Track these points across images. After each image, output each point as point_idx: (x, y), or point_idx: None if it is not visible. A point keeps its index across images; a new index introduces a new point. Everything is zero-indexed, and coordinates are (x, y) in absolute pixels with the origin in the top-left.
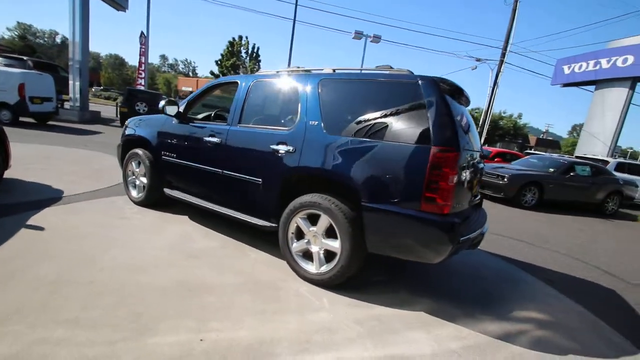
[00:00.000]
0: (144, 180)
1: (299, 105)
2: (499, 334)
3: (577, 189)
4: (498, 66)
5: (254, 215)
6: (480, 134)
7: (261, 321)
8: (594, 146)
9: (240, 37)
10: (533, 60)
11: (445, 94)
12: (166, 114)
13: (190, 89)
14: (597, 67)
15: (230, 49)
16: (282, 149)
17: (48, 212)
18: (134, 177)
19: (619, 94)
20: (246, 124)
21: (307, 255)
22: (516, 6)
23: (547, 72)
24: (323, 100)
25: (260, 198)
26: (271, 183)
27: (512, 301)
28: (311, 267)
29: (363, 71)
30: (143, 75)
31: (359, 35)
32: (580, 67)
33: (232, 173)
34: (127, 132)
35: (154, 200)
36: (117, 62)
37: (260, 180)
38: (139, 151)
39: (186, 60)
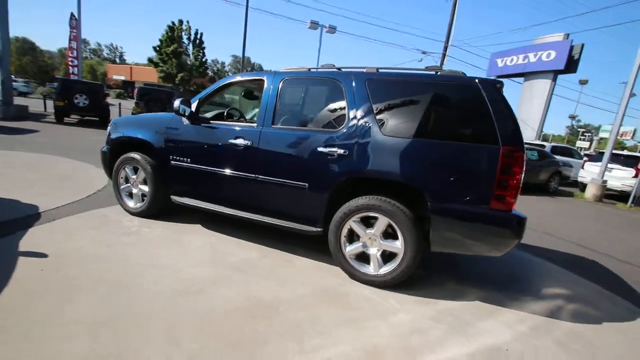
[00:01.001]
0: (145, 188)
1: (346, 105)
2: (546, 312)
3: (528, 171)
4: (441, 59)
5: (297, 221)
6: None
7: (355, 330)
8: (524, 132)
9: (181, 22)
10: (471, 54)
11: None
12: (181, 114)
13: (122, 78)
14: (526, 60)
15: (169, 34)
16: (333, 151)
17: (36, 233)
18: (128, 185)
19: (544, 85)
20: (281, 125)
21: (360, 257)
22: (456, 2)
23: (483, 65)
24: (374, 101)
25: (306, 203)
26: (319, 187)
27: (532, 280)
28: (369, 269)
29: (413, 72)
30: (76, 63)
31: (314, 25)
32: (512, 60)
33: (270, 178)
34: (115, 135)
35: (157, 210)
36: (26, 47)
37: (305, 184)
38: (136, 156)
39: (112, 45)
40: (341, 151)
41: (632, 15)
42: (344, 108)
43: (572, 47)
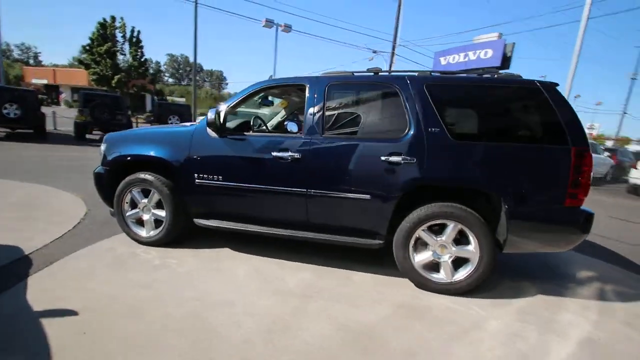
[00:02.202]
0: (160, 213)
1: (406, 111)
2: (597, 296)
3: None
4: (390, 57)
5: (356, 236)
6: None
7: (466, 346)
8: None
9: (114, 18)
10: (416, 54)
11: None
12: (217, 126)
13: (44, 81)
14: (467, 58)
15: (101, 31)
16: (398, 160)
17: (39, 283)
18: (136, 211)
19: None
20: (332, 134)
21: (427, 266)
22: (400, 3)
23: (428, 63)
24: (438, 106)
25: (367, 215)
26: (384, 198)
27: (565, 267)
28: (442, 277)
29: (471, 75)
30: None
31: (269, 23)
32: (454, 58)
33: (325, 192)
34: (114, 154)
35: (176, 236)
36: None
37: (367, 196)
38: (148, 177)
39: (23, 45)
40: (408, 159)
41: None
42: (404, 114)
43: (505, 46)
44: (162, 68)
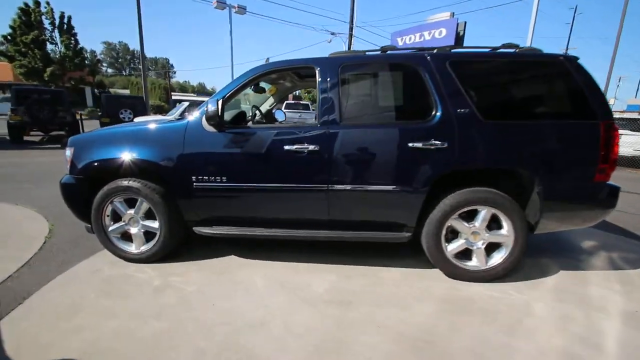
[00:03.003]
0: (152, 224)
1: (431, 91)
2: (611, 266)
3: None
4: (349, 40)
5: (381, 229)
6: None
7: (530, 341)
8: None
9: (38, 3)
10: (373, 35)
11: None
12: (215, 120)
13: None
14: (422, 38)
15: (23, 18)
16: (428, 145)
17: (14, 326)
18: (120, 224)
19: None
20: (352, 121)
21: (459, 255)
22: None
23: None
24: (464, 84)
25: (395, 208)
26: (414, 188)
27: (573, 240)
28: (475, 265)
29: (494, 51)
30: None
31: (221, 4)
32: (410, 38)
33: (348, 186)
34: (86, 160)
35: (172, 249)
36: None
37: (396, 187)
38: (133, 183)
39: None
40: (439, 144)
41: None
42: (428, 94)
43: (457, 25)
44: (100, 57)
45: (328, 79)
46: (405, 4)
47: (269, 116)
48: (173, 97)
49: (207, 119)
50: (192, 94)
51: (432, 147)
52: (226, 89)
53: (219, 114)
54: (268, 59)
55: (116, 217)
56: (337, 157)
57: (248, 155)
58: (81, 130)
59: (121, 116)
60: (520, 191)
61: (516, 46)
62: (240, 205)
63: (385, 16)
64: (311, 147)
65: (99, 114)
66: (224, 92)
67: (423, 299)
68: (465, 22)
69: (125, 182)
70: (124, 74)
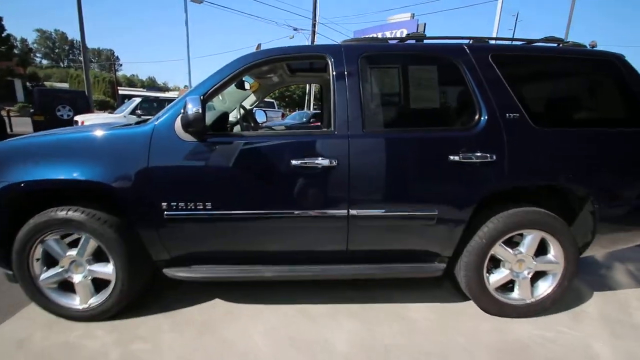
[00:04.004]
0: (104, 268)
1: (472, 91)
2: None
3: None
4: (311, 36)
5: (409, 260)
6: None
7: None
8: None
9: None
10: (336, 32)
11: None
12: (193, 127)
13: None
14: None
15: None
16: (472, 158)
17: None
18: (58, 270)
19: None
20: (379, 128)
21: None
22: None
23: None
24: (510, 83)
25: (433, 235)
26: (455, 211)
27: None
28: (520, 298)
29: (538, 45)
30: None
31: None
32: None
33: (373, 211)
34: (6, 179)
35: (133, 300)
36: None
37: (435, 211)
38: (75, 215)
39: None
40: (486, 156)
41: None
42: (470, 95)
43: (418, 26)
44: (32, 47)
45: (346, 74)
46: (368, 3)
47: (249, 117)
48: (120, 92)
49: (186, 125)
50: (142, 89)
51: (478, 161)
52: (208, 83)
53: (203, 117)
54: (260, 45)
55: (51, 260)
56: (360, 175)
57: (241, 172)
58: (7, 130)
59: (58, 113)
60: (564, 210)
61: (560, 40)
62: (230, 239)
63: (347, 13)
64: (326, 162)
65: (31, 110)
66: (205, 87)
67: (473, 349)
68: (425, 24)
69: (62, 213)
70: (62, 65)
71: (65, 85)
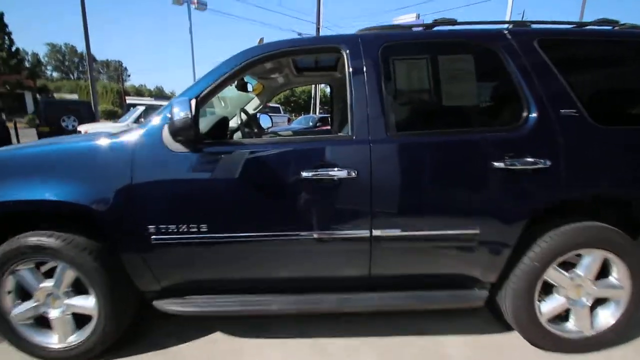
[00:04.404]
0: (84, 302)
1: (517, 83)
2: None
3: None
4: None
5: (442, 287)
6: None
7: None
8: None
9: None
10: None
11: None
12: (182, 135)
13: None
14: None
15: None
16: (522, 166)
17: None
18: (33, 304)
19: None
20: (406, 131)
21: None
22: None
23: None
24: (565, 74)
25: (472, 258)
26: (503, 229)
27: None
28: (576, 330)
29: (590, 28)
30: None
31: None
32: None
33: (402, 232)
34: None
35: (119, 337)
36: None
37: (476, 230)
38: (49, 241)
39: None
40: (539, 162)
41: None
42: (514, 87)
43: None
44: (43, 60)
45: (364, 67)
46: (371, 3)
47: (253, 123)
48: (128, 102)
49: (174, 132)
50: (149, 98)
51: (529, 168)
52: (202, 83)
53: (194, 122)
54: (262, 39)
55: (24, 293)
56: (385, 188)
57: (242, 187)
58: (17, 142)
59: (63, 124)
60: (627, 224)
61: (614, 22)
62: (230, 266)
63: (349, 16)
64: (343, 174)
65: (37, 122)
66: (198, 88)
67: None
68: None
69: (33, 239)
70: (72, 78)
71: (75, 97)
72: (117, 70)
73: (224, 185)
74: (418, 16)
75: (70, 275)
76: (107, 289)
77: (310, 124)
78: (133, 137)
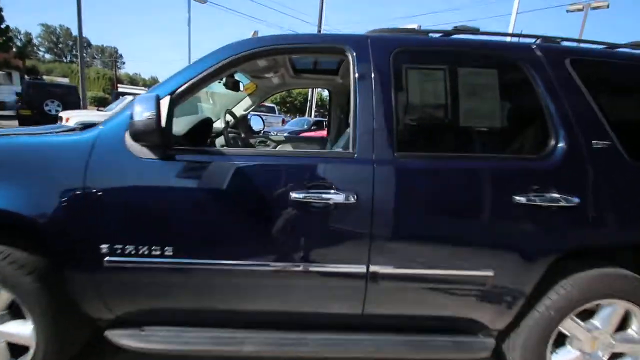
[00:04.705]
0: (20, 328)
1: (545, 106)
2: None
3: None
4: None
5: (447, 332)
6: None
7: None
8: None
9: None
10: None
11: None
12: (147, 138)
13: None
14: None
15: None
16: (546, 202)
17: None
18: None
19: None
20: (416, 151)
21: None
22: None
23: None
24: (598, 100)
25: (483, 302)
26: (521, 272)
27: None
28: None
29: (625, 51)
30: None
31: None
32: None
33: (405, 270)
34: None
35: None
36: None
37: (489, 272)
38: None
39: None
40: (566, 199)
41: None
42: (542, 113)
43: None
44: (36, 41)
45: (372, 74)
46: (372, 9)
47: (242, 125)
48: (119, 89)
49: (134, 135)
50: (143, 87)
51: (555, 205)
52: (179, 78)
53: (159, 125)
54: (256, 32)
55: None
56: (389, 217)
57: (219, 206)
58: None
59: (46, 108)
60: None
61: None
62: (197, 297)
63: (350, 21)
64: (340, 198)
65: (18, 104)
66: (174, 83)
67: None
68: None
69: None
70: (65, 60)
71: (66, 80)
72: (112, 57)
73: (197, 203)
74: (420, 27)
75: (3, 297)
76: (48, 314)
77: (305, 126)
78: (91, 135)
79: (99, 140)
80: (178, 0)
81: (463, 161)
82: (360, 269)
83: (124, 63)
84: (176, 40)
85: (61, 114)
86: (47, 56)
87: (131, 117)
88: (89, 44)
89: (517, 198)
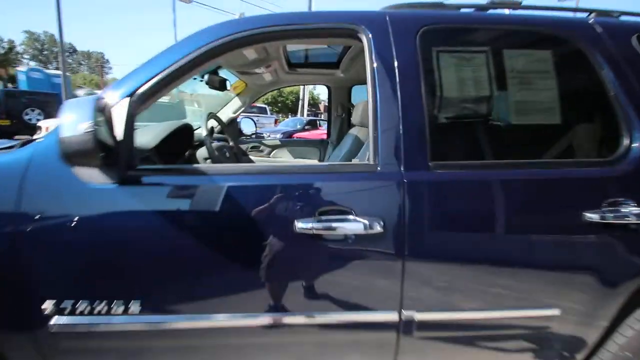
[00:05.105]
0: None
1: (610, 96)
2: None
3: None
4: None
5: None
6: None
7: None
8: None
9: None
10: None
11: None
12: (91, 157)
13: None
14: None
15: None
16: (623, 220)
17: None
18: None
19: None
20: (456, 160)
21: None
22: None
23: None
24: None
25: (544, 348)
26: (591, 309)
27: None
28: None
29: None
30: None
31: None
32: None
33: (445, 315)
34: None
35: None
36: None
37: (555, 311)
38: None
39: None
40: None
41: None
42: (609, 103)
43: None
44: (20, 49)
45: (395, 62)
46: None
47: (231, 130)
48: None
49: (65, 156)
50: None
51: (635, 222)
52: (140, 75)
53: (96, 143)
54: (242, 14)
55: None
56: (427, 248)
57: (201, 244)
58: None
59: (26, 117)
60: None
61: None
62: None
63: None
64: (359, 228)
65: None
66: (134, 82)
67: None
68: None
69: None
70: (50, 67)
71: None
72: (99, 62)
73: (171, 241)
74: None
75: None
76: None
77: (299, 126)
78: (26, 153)
79: (34, 159)
80: (163, 0)
81: (517, 170)
82: (391, 316)
83: (110, 68)
84: (164, 42)
85: (40, 123)
86: (32, 63)
87: (58, 131)
88: (75, 50)
89: (588, 215)
